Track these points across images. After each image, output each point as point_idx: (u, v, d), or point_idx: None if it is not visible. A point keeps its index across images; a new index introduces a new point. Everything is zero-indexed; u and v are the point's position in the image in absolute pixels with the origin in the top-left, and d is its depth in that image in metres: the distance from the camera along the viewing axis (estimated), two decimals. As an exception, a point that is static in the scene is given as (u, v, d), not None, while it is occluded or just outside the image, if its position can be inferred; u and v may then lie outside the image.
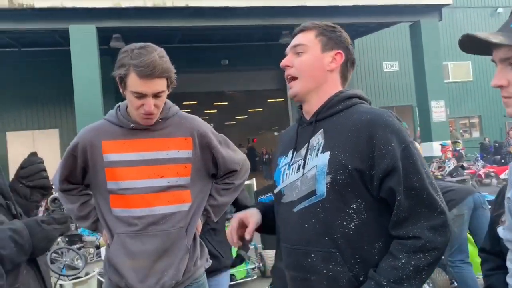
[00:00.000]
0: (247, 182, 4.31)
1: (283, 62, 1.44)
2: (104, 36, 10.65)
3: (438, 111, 12.05)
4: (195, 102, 18.41)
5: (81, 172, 1.85)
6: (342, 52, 1.41)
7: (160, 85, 1.70)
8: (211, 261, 2.03)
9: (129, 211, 1.78)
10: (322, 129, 1.36)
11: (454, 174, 8.53)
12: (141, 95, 1.69)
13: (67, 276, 4.88)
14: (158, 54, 1.70)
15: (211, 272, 2.25)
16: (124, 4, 9.78)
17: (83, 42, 9.73)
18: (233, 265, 2.89)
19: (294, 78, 1.42)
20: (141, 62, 1.65)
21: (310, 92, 1.41)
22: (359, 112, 1.33)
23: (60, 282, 4.45)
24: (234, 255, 2.93)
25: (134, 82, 1.68)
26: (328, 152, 1.30)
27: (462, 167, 9.58)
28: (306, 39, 1.42)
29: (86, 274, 4.59)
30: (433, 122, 12.01)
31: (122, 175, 1.78)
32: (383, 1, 11.30)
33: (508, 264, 1.12)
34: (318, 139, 1.35)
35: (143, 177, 1.78)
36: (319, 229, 1.28)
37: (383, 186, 1.25)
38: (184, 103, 17.41)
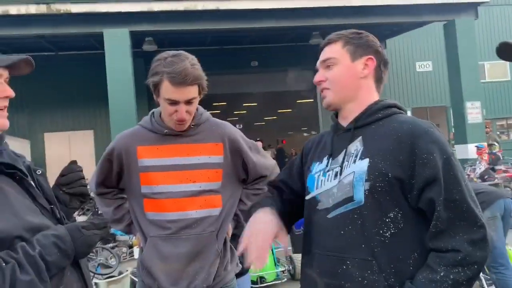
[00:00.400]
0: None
1: (316, 79, 1.44)
2: (137, 39, 10.89)
3: (474, 112, 11.65)
4: (225, 103, 18.53)
5: (116, 177, 1.91)
6: (372, 56, 1.40)
7: (192, 92, 1.74)
8: (241, 265, 2.05)
9: (162, 215, 1.82)
10: (360, 136, 1.35)
11: (486, 177, 8.23)
12: (174, 102, 1.73)
13: (101, 274, 5.02)
14: (190, 62, 1.73)
15: None
16: (156, 8, 9.96)
17: (116, 45, 9.97)
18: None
19: (327, 89, 1.42)
20: (173, 70, 1.69)
21: (346, 100, 1.41)
22: (400, 121, 1.32)
23: (94, 280, 4.58)
24: None
25: (167, 89, 1.72)
26: (367, 159, 1.29)
27: (493, 169, 9.25)
28: (334, 52, 1.41)
29: (120, 273, 4.69)
30: (468, 123, 11.63)
31: (155, 179, 1.82)
32: (417, 0, 11.03)
33: None
34: (356, 146, 1.34)
35: (176, 181, 1.82)
36: (356, 236, 1.27)
37: (422, 196, 1.23)
38: (214, 104, 17.55)
